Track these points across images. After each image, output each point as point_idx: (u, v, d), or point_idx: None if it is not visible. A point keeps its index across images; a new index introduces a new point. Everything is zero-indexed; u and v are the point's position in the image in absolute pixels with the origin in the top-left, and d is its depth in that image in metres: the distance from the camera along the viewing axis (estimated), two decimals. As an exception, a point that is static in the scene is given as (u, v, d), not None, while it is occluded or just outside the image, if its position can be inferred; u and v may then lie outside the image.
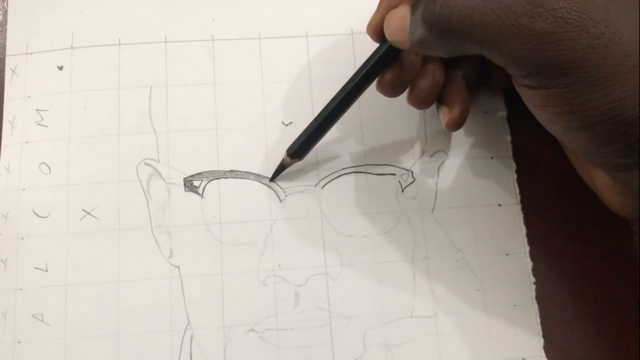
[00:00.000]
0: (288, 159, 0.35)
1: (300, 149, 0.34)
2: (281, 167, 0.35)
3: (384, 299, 0.34)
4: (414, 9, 0.28)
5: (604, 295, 0.35)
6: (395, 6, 0.30)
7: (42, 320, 0.33)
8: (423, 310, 0.34)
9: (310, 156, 0.36)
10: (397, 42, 0.30)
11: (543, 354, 0.34)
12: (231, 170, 0.36)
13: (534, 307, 0.34)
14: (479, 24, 0.25)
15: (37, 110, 0.36)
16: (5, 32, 0.38)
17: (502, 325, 0.34)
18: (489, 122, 0.37)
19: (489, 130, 0.37)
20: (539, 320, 0.34)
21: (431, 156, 0.36)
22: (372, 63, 0.32)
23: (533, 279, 0.35)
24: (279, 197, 0.35)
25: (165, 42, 0.38)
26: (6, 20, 0.38)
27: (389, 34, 0.30)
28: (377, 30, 0.32)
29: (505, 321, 0.34)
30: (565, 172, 0.36)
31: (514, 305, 0.34)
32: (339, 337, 0.34)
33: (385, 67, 0.32)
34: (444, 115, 0.34)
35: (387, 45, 0.31)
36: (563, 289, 0.35)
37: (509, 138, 0.37)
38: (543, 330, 0.34)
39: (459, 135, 0.37)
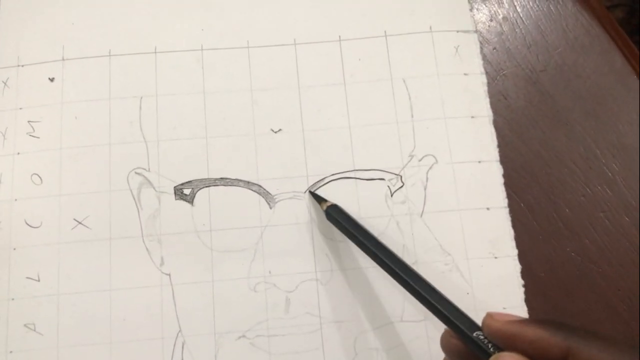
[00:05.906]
0: (324, 207, 0.35)
1: (335, 220, 0.34)
2: (318, 199, 0.35)
3: (374, 303, 0.35)
4: None
5: (592, 296, 0.35)
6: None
7: (35, 330, 0.33)
8: (413, 314, 0.34)
9: (300, 163, 0.36)
10: None
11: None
12: (221, 178, 0.36)
13: (524, 310, 0.34)
14: None
15: (28, 121, 0.37)
16: (-3, 45, 0.38)
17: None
18: (477, 126, 0.38)
19: (477, 134, 0.37)
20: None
21: (420, 160, 0.37)
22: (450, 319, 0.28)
23: (522, 282, 0.35)
24: (268, 203, 0.36)
25: (155, 52, 0.38)
26: (-3, 34, 0.38)
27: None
28: (493, 334, 0.27)
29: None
30: (551, 176, 0.37)
31: (504, 308, 0.34)
32: (330, 343, 0.34)
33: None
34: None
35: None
36: (552, 291, 0.35)
37: (496, 142, 0.37)
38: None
39: (447, 140, 0.37)
